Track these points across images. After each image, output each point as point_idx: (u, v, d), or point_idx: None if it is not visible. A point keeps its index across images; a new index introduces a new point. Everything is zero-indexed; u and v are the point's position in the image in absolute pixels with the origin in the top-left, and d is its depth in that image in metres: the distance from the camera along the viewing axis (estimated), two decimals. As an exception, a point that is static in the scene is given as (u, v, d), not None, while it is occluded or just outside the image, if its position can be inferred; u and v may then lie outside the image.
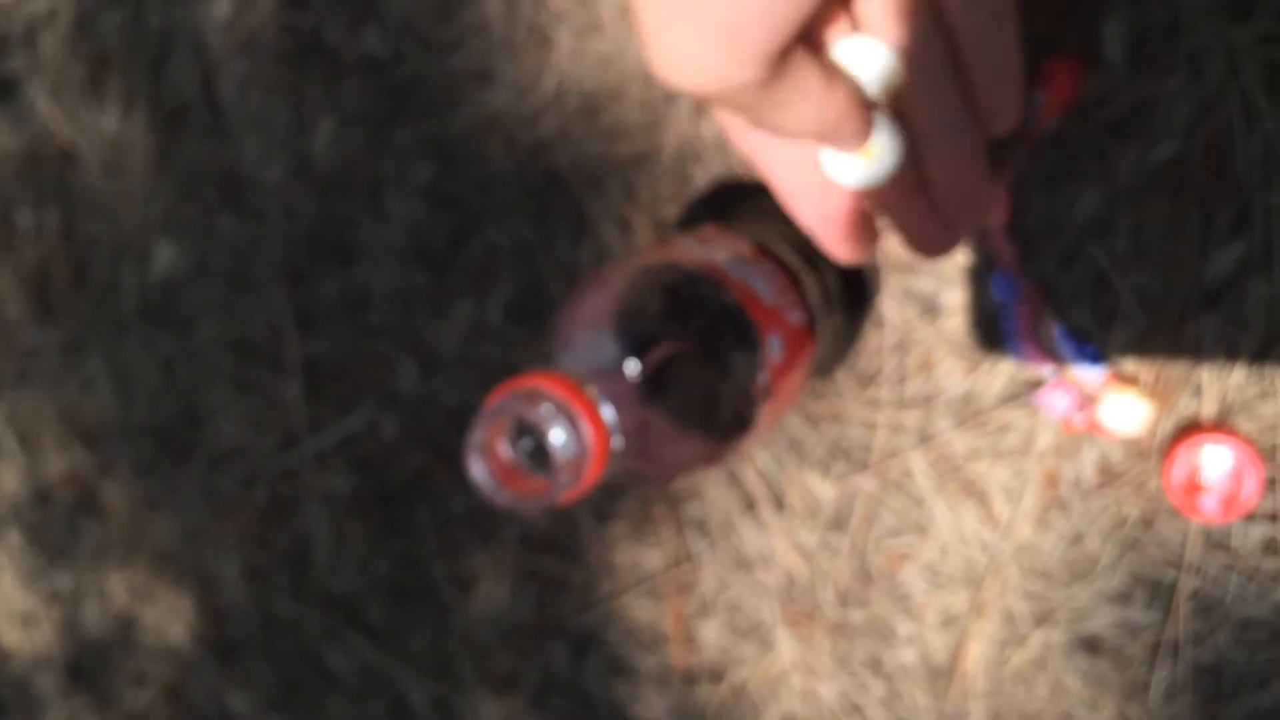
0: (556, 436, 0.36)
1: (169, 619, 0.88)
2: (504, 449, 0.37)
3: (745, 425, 0.44)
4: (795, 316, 0.47)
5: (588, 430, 0.36)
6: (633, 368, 0.40)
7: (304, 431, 0.77)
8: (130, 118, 0.77)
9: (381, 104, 0.69)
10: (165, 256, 0.79)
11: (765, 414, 0.45)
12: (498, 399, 0.36)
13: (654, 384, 0.40)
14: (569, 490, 0.36)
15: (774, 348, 0.45)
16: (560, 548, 0.72)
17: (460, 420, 0.72)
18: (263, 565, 0.82)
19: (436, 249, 0.69)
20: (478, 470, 0.37)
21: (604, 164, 0.64)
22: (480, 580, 0.75)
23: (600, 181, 0.64)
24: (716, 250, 0.47)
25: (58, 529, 0.91)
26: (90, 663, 0.93)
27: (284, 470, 0.79)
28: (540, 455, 0.37)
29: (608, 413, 0.37)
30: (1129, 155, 0.53)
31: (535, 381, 0.36)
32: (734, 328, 0.43)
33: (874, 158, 0.31)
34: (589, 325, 0.42)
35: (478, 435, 0.36)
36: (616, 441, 0.38)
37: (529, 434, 0.37)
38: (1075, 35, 0.52)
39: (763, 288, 0.46)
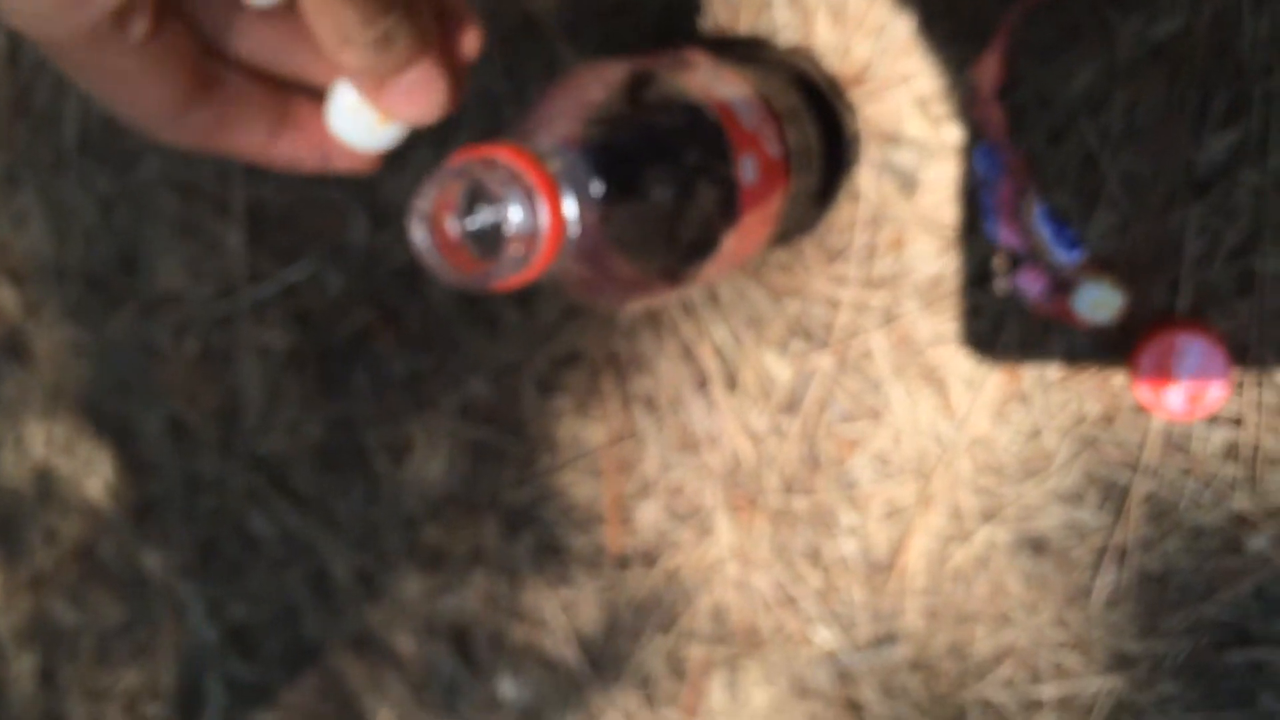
0: (512, 210, 0.33)
1: (86, 472, 0.85)
2: (451, 223, 0.34)
3: (709, 248, 0.42)
4: (773, 149, 0.45)
5: (545, 208, 0.33)
6: (600, 163, 0.37)
7: (243, 280, 0.74)
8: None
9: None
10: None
11: (729, 243, 0.43)
12: (455, 163, 0.33)
13: (620, 184, 0.38)
14: (515, 272, 0.34)
15: (748, 170, 0.42)
16: (500, 419, 0.69)
17: (409, 279, 0.69)
18: (189, 421, 0.79)
19: (398, 91, 0.66)
20: (420, 236, 0.34)
21: (582, 11, 0.61)
22: (414, 449, 0.72)
23: (578, 30, 0.61)
24: (700, 69, 0.44)
25: (-23, 372, 0.87)
26: (0, 514, 0.90)
27: (219, 319, 0.75)
28: (489, 238, 0.34)
29: (569, 198, 0.35)
30: (1130, 27, 0.50)
31: (496, 150, 0.33)
32: (709, 137, 0.41)
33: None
34: (561, 115, 0.39)
35: (425, 199, 0.34)
36: (573, 231, 0.35)
37: (480, 210, 0.34)
38: (1087, -105, 0.50)
39: (743, 111, 0.43)
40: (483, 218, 0.34)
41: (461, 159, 0.33)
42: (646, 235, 0.39)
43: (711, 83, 0.43)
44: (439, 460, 0.71)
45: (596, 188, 0.37)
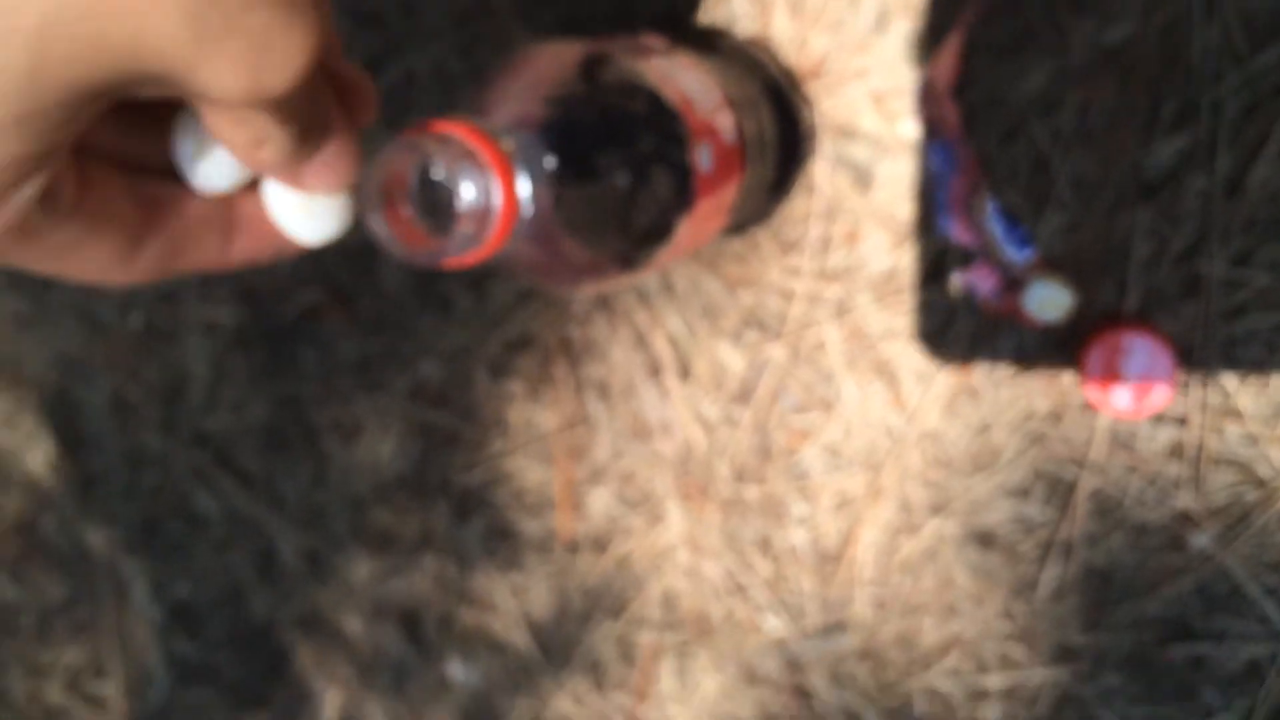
0: (464, 187, 0.32)
1: (28, 446, 0.83)
2: (403, 199, 0.34)
3: (662, 234, 0.41)
4: (729, 136, 0.44)
5: (497, 185, 0.33)
6: (554, 143, 0.37)
7: (190, 256, 0.73)
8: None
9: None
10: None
11: (683, 230, 0.43)
12: (407, 137, 0.33)
13: (574, 166, 0.37)
14: (467, 250, 0.33)
15: (703, 156, 0.42)
16: (452, 402, 0.69)
17: (361, 259, 0.68)
18: (133, 396, 0.78)
19: (350, 70, 0.65)
20: (371, 211, 0.33)
21: (538, -7, 0.60)
22: (363, 431, 0.72)
23: (532, 12, 0.60)
24: (659, 56, 0.44)
25: (-86, 343, 0.86)
26: (-61, 489, 0.88)
27: (164, 295, 0.74)
28: (441, 214, 0.34)
29: (522, 177, 0.34)
30: (1084, 30, 0.51)
31: (449, 126, 0.33)
32: (665, 123, 0.41)
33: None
34: (516, 95, 0.39)
35: (378, 172, 0.33)
36: (526, 210, 0.35)
37: (433, 186, 0.34)
38: (1047, -104, 0.50)
39: (700, 98, 0.43)
40: (433, 193, 0.34)
41: (414, 134, 0.33)
42: (600, 218, 0.39)
43: (669, 69, 0.43)
44: (389, 442, 0.71)
45: (550, 168, 0.36)
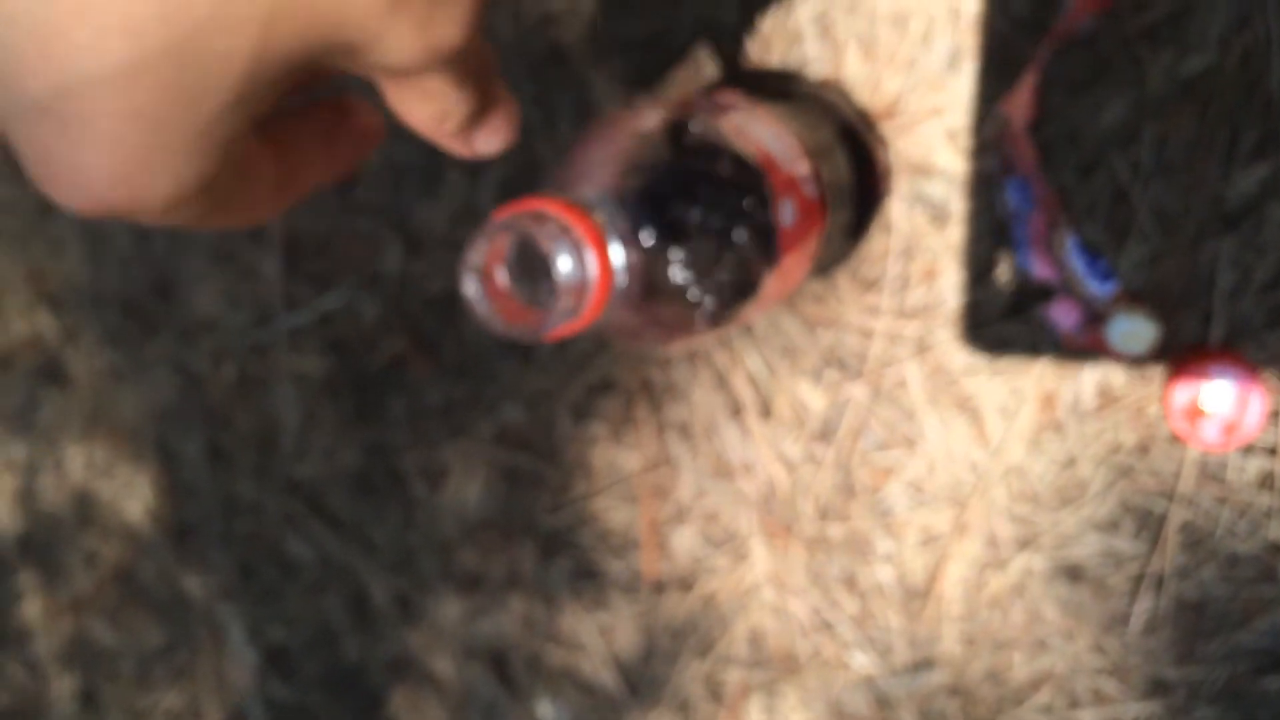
0: (561, 261, 0.34)
1: (126, 496, 0.86)
2: (501, 275, 0.35)
3: (749, 290, 0.42)
4: (810, 189, 0.45)
5: (593, 258, 0.34)
6: (643, 212, 0.38)
7: (279, 308, 0.75)
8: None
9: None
10: (147, 117, 0.76)
11: (770, 284, 0.43)
12: (504, 216, 0.34)
13: (663, 232, 0.38)
14: (565, 323, 0.34)
15: (787, 212, 0.43)
16: (535, 445, 0.70)
17: (443, 307, 0.70)
18: (227, 445, 0.80)
19: (431, 124, 0.67)
20: (471, 289, 0.34)
21: (612, 43, 0.61)
22: (450, 475, 0.73)
23: (608, 61, 0.62)
24: (737, 112, 0.44)
25: (17, 396, 0.89)
26: (41, 538, 0.91)
27: (256, 346, 0.76)
28: (538, 287, 0.35)
29: (615, 247, 0.35)
30: (1161, 63, 0.51)
31: (543, 203, 0.34)
32: (749, 183, 0.41)
33: None
34: (601, 164, 0.40)
35: (476, 253, 0.34)
36: (620, 280, 0.36)
37: (529, 261, 0.35)
38: (1118, -68, 0.50)
39: (781, 154, 0.44)
40: (530, 269, 0.35)
41: (510, 213, 0.34)
42: (689, 281, 0.40)
43: (749, 126, 0.44)
44: (475, 485, 0.72)
45: (641, 237, 0.37)
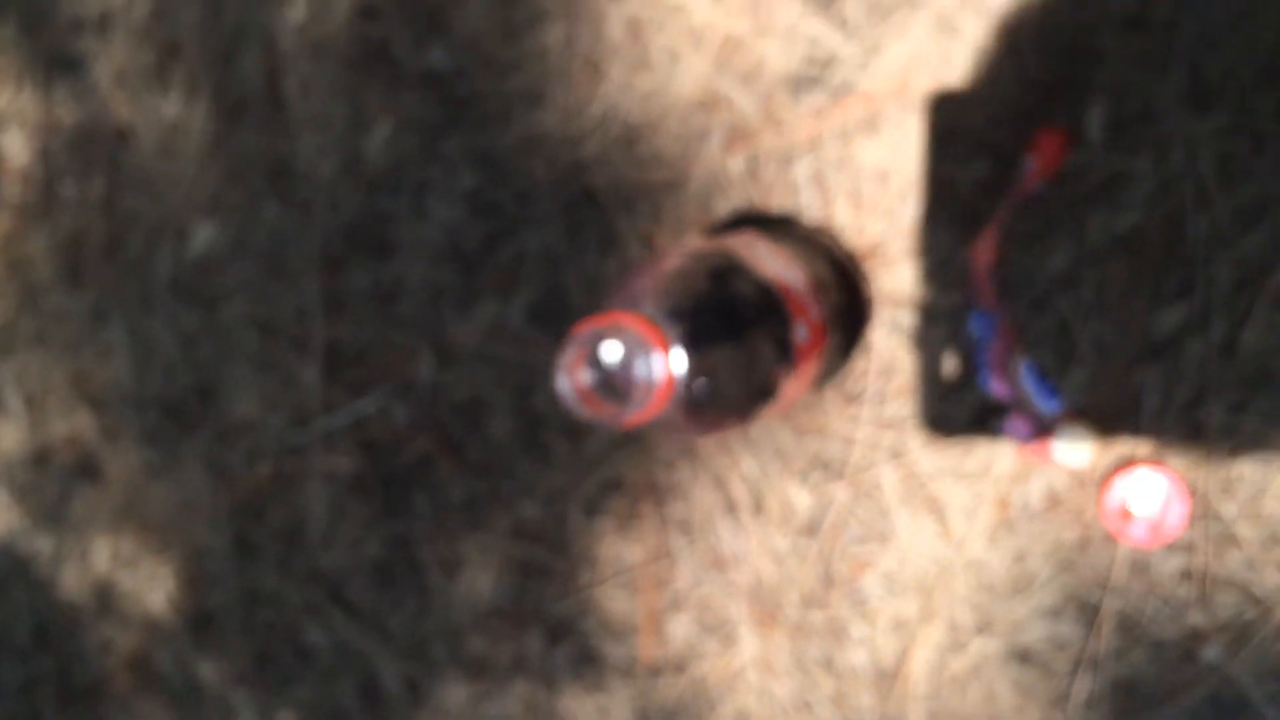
0: (638, 364, 0.43)
1: (148, 586, 0.92)
2: (584, 375, 0.45)
3: (771, 393, 0.52)
4: (815, 313, 0.55)
5: (661, 363, 0.43)
6: (691, 325, 0.47)
7: (316, 411, 0.83)
8: (192, 104, 0.84)
9: (437, 114, 0.76)
10: (204, 236, 0.85)
11: (785, 389, 0.53)
12: (590, 327, 0.44)
13: (711, 344, 0.48)
14: (636, 414, 0.44)
15: (801, 331, 0.53)
16: (548, 538, 0.78)
17: (470, 413, 0.78)
18: (255, 539, 0.87)
19: (470, 251, 0.77)
20: (563, 386, 0.44)
21: (636, 188, 0.72)
22: (466, 565, 0.81)
23: (631, 203, 0.72)
24: (759, 249, 0.55)
25: (50, 491, 0.95)
26: (59, 625, 0.97)
27: (291, 447, 0.84)
28: (611, 386, 0.44)
29: (676, 354, 0.45)
30: (1098, 220, 0.62)
31: (622, 318, 0.44)
32: (773, 306, 0.51)
33: None
34: (655, 288, 0.49)
35: (568, 355, 0.44)
36: (681, 382, 0.45)
37: (603, 364, 0.45)
38: (1063, 113, 0.62)
39: (793, 283, 0.54)
40: (605, 370, 0.45)
41: (594, 325, 0.44)
42: (725, 385, 0.49)
43: (770, 261, 0.54)
44: (488, 576, 0.80)
45: (694, 347, 0.47)
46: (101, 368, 0.91)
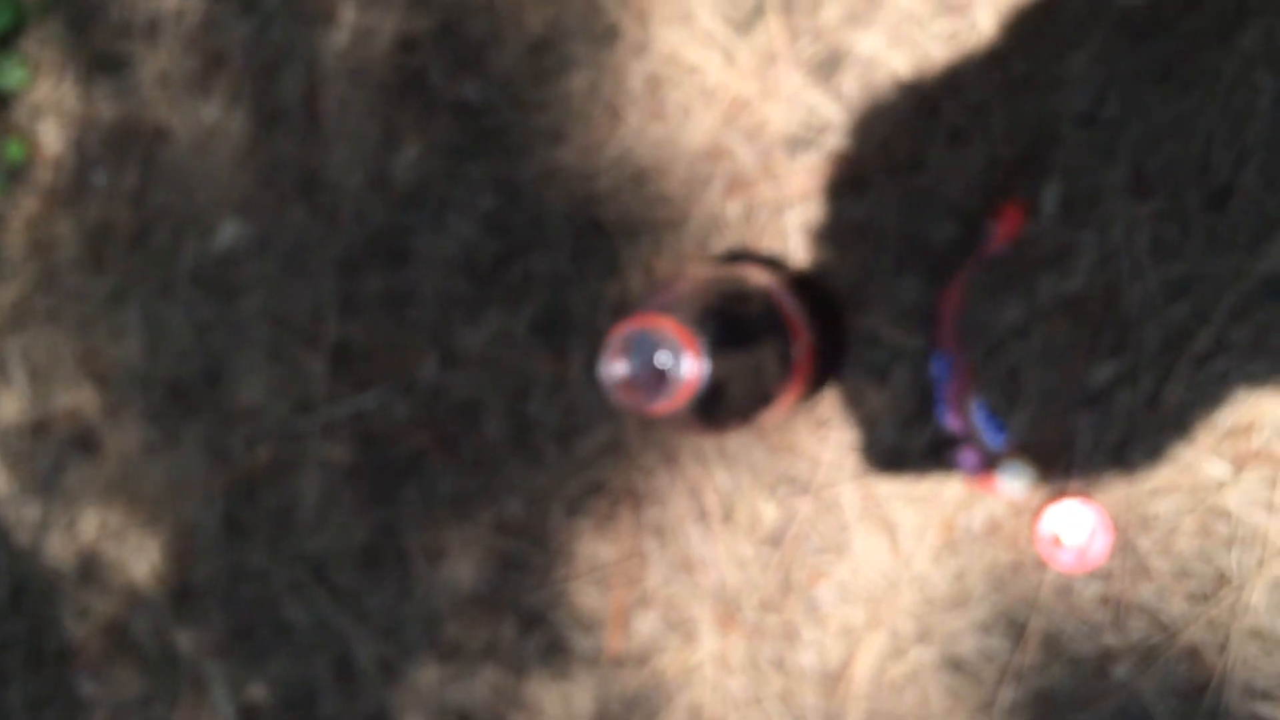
0: (674, 361, 0.51)
1: (134, 558, 0.97)
2: (620, 367, 0.52)
3: (770, 400, 0.60)
4: (807, 336, 0.64)
5: (691, 363, 0.52)
6: (718, 334, 0.56)
7: (320, 401, 0.89)
8: (231, 111, 0.91)
9: (465, 141, 0.84)
10: (229, 233, 0.92)
11: (782, 398, 0.61)
12: (631, 326, 0.52)
13: (728, 351, 0.56)
14: (663, 405, 0.52)
15: (799, 348, 0.61)
16: (529, 534, 0.85)
17: (467, 413, 0.86)
18: (245, 518, 0.93)
19: (482, 266, 0.84)
20: (605, 376, 0.52)
21: (642, 222, 0.80)
22: (448, 555, 0.87)
23: (636, 235, 0.80)
24: (765, 278, 0.63)
25: (44, 460, 1.00)
26: (36, 590, 1.01)
27: (291, 434, 0.91)
28: (645, 378, 0.52)
29: (705, 357, 0.53)
30: (1048, 283, 0.71)
31: (659, 320, 0.52)
32: (778, 324, 0.60)
33: None
34: (680, 300, 0.58)
35: (611, 347, 0.52)
36: (704, 380, 0.53)
37: (635, 357, 0.53)
38: (1024, 189, 0.72)
39: (792, 309, 0.63)
40: (640, 363, 0.53)
41: (636, 325, 0.52)
42: (737, 387, 0.58)
43: (773, 286, 0.62)
44: (469, 566, 0.87)
45: (716, 351, 0.55)
46: (112, 347, 0.97)
